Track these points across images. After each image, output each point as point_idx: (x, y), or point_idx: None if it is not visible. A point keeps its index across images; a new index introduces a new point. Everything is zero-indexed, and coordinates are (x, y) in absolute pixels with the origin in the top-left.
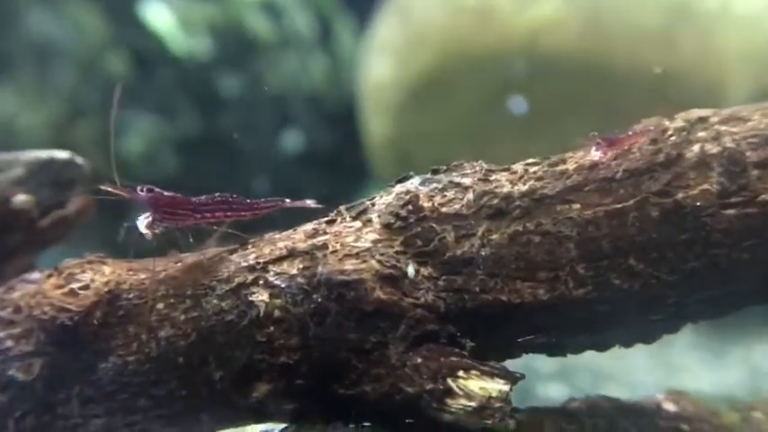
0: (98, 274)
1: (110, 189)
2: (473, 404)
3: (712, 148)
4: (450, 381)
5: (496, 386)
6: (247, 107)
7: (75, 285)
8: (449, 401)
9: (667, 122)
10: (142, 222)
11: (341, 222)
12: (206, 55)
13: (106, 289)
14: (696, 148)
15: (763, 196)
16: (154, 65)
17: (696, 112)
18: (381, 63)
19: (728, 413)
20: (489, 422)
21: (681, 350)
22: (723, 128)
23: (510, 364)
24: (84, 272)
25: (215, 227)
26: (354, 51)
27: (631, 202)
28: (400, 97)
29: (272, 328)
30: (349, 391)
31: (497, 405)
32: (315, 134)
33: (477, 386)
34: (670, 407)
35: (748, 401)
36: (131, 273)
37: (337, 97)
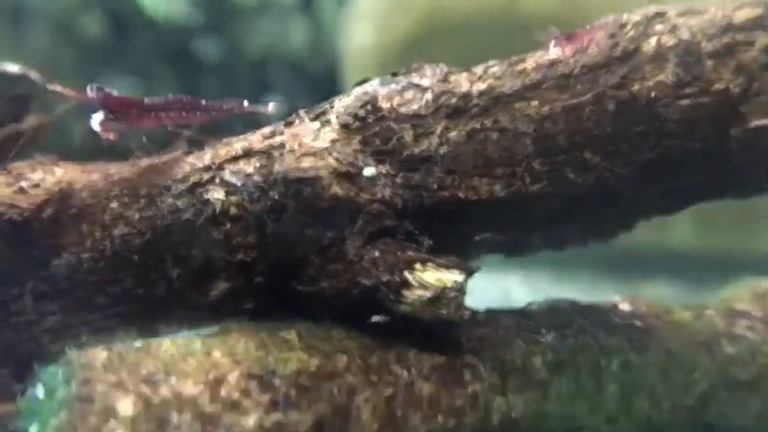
0: (49, 174)
1: (59, 89)
2: (428, 294)
3: (669, 41)
4: (406, 273)
5: (452, 276)
6: (227, 72)
7: (25, 184)
8: (405, 293)
9: (625, 17)
10: (95, 121)
11: (299, 124)
12: (184, 18)
13: (57, 188)
14: (653, 41)
15: (717, 86)
16: (130, 27)
17: (654, 8)
18: (363, 28)
19: (681, 311)
20: (444, 312)
21: None
22: (680, 20)
23: None
24: (34, 171)
25: (181, 131)
26: (336, 16)
27: (588, 96)
28: (382, 62)
29: (228, 226)
30: (307, 288)
31: (452, 295)
32: (296, 100)
33: (433, 277)
34: (625, 307)
35: (702, 303)
36: (84, 173)
37: (319, 63)
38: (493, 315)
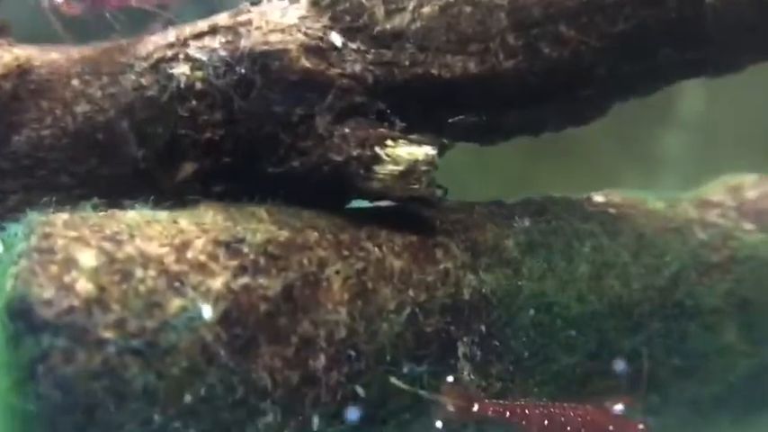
0: (7, 52)
1: None
2: (400, 168)
3: None
4: (377, 148)
5: (423, 150)
6: None
7: None
8: (376, 168)
9: None
10: None
11: (267, 3)
12: None
13: (15, 63)
14: None
15: None
16: None
17: None
18: None
19: (655, 202)
20: (416, 187)
21: None
22: None
23: None
24: None
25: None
26: None
27: None
28: None
29: (194, 102)
30: (278, 169)
31: (424, 169)
32: None
33: (405, 151)
34: (599, 198)
35: (676, 196)
36: (44, 52)
37: None
38: (468, 203)
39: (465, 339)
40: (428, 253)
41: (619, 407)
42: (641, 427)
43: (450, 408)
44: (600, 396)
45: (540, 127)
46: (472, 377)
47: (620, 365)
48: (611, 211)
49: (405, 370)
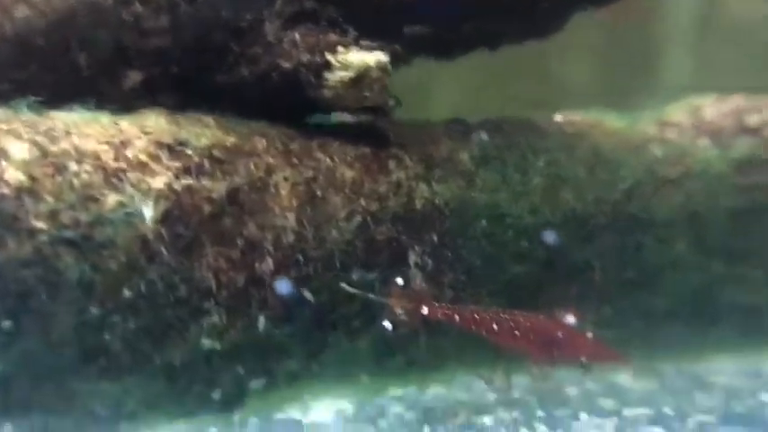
0: None
1: None
2: (351, 74)
3: None
4: (328, 55)
5: (375, 57)
6: None
7: None
8: (327, 75)
9: None
10: None
11: None
12: None
13: None
14: None
15: None
16: None
17: None
18: None
19: (615, 121)
20: (368, 94)
21: None
22: None
23: None
24: None
25: None
26: None
27: None
28: None
29: (139, 7)
30: (227, 78)
31: (376, 75)
32: None
33: (356, 57)
34: (559, 118)
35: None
36: None
37: None
38: (424, 120)
39: (417, 248)
40: (381, 164)
41: (570, 318)
42: (589, 335)
43: (399, 310)
44: (552, 307)
45: (498, 40)
46: (424, 285)
47: (571, 276)
48: (569, 129)
49: (355, 277)
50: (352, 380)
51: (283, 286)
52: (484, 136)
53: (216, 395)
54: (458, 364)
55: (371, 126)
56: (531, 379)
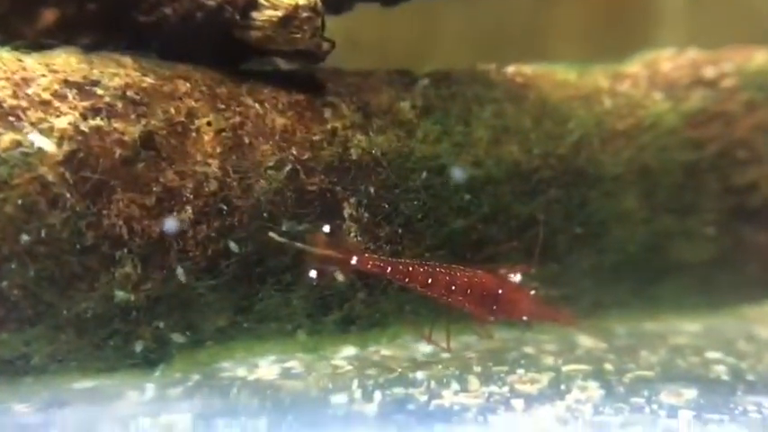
0: None
1: None
2: (279, 14)
3: None
4: None
5: None
6: None
7: None
8: (254, 14)
9: None
10: None
11: None
12: None
13: None
14: None
15: None
16: None
17: None
18: None
19: (567, 72)
20: (299, 36)
21: None
22: None
23: None
24: None
25: None
26: None
27: None
28: None
29: None
30: (149, 18)
31: (305, 15)
32: None
33: None
34: (510, 69)
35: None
36: None
37: None
38: (368, 69)
39: (352, 200)
40: (316, 112)
41: (515, 274)
42: (532, 292)
43: (326, 259)
44: (496, 262)
45: None
46: (359, 238)
47: (516, 231)
48: (518, 79)
49: (284, 227)
50: (289, 337)
51: (169, 225)
52: (427, 87)
53: (137, 349)
54: (400, 321)
55: (307, 73)
56: (476, 337)
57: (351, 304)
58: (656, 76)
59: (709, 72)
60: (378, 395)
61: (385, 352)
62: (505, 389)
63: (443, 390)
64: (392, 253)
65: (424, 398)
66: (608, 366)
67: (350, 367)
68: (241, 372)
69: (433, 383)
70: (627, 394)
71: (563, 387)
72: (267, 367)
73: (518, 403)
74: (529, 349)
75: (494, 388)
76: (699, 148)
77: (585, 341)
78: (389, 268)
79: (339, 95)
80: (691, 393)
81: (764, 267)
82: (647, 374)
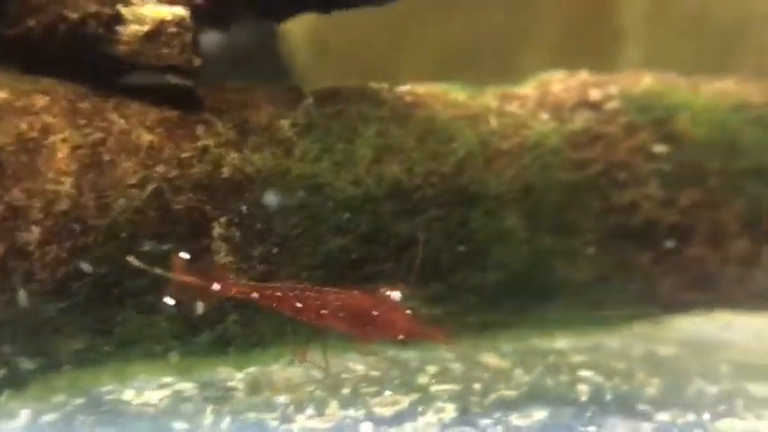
0: None
1: None
2: (145, 29)
3: None
4: (120, 7)
5: (171, 11)
6: None
7: None
8: (119, 29)
9: None
10: None
11: None
12: None
13: None
14: None
15: None
16: None
17: None
18: None
19: (458, 92)
20: (167, 51)
21: None
22: None
23: None
24: None
25: None
26: None
27: None
28: None
29: None
30: (13, 31)
31: (173, 30)
32: None
33: (150, 11)
34: (402, 88)
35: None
36: None
37: None
38: (252, 84)
39: (222, 219)
40: (187, 129)
41: (395, 294)
42: (408, 312)
43: (185, 286)
44: (376, 282)
45: (331, 2)
46: (230, 259)
47: (396, 251)
48: (408, 98)
49: (146, 248)
50: (160, 359)
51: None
52: (312, 104)
53: None
54: (281, 341)
55: (184, 88)
56: (359, 356)
57: (224, 325)
58: (546, 97)
59: (595, 94)
60: (227, 420)
61: (260, 373)
62: (362, 412)
63: (298, 414)
64: (266, 273)
65: (274, 423)
66: (477, 386)
67: (211, 390)
68: (142, 396)
69: (291, 408)
70: (478, 416)
71: (420, 409)
72: (166, 392)
73: (366, 427)
74: (412, 369)
75: (350, 411)
76: (581, 168)
77: (491, 359)
78: (256, 294)
79: (216, 112)
80: (541, 415)
81: (648, 286)
82: (510, 395)
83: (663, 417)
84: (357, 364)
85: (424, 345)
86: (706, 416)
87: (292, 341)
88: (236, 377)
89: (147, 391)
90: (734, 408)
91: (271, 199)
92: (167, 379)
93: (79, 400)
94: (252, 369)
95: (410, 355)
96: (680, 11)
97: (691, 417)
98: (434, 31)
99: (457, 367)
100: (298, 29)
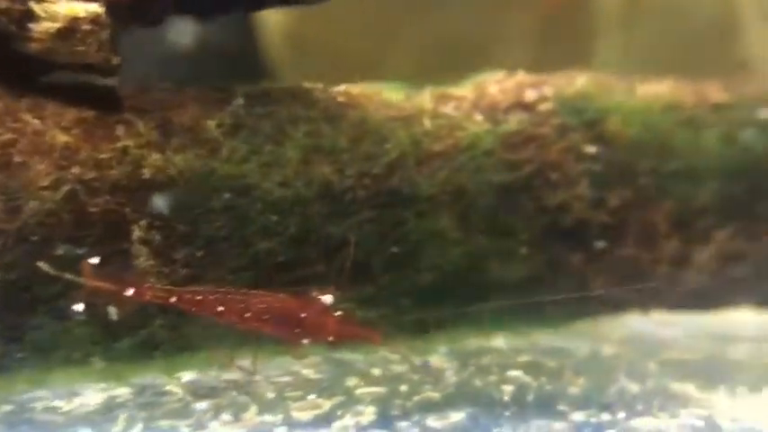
0: None
1: None
2: (57, 26)
3: None
4: (31, 2)
5: (85, 7)
6: None
7: None
8: (31, 26)
9: None
10: None
11: None
12: None
13: None
14: None
15: None
16: None
17: None
18: None
19: (393, 92)
20: (83, 49)
21: None
22: None
23: None
24: None
25: None
26: None
27: None
28: None
29: None
30: None
31: (87, 28)
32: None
33: (63, 8)
34: (338, 88)
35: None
36: None
37: None
38: (180, 85)
39: (142, 222)
40: (107, 130)
41: (327, 296)
42: (338, 314)
43: (97, 291)
44: (307, 285)
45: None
46: (152, 262)
47: (327, 253)
48: (341, 99)
49: (60, 251)
50: (83, 365)
51: None
52: (241, 105)
53: None
54: (210, 345)
55: (104, 88)
56: (292, 359)
57: (149, 330)
58: (482, 98)
59: (529, 95)
60: (138, 427)
61: (189, 378)
62: (279, 417)
63: (212, 421)
64: (190, 276)
65: (186, 430)
66: (403, 388)
67: (131, 396)
68: (73, 401)
69: (209, 414)
70: (397, 419)
71: (339, 413)
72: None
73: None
74: (339, 373)
75: (267, 417)
76: (514, 169)
77: (424, 360)
78: (174, 298)
79: (138, 112)
80: (458, 416)
81: (581, 285)
82: (434, 396)
83: (578, 417)
84: (296, 367)
85: (371, 348)
86: (621, 415)
87: (222, 345)
88: (160, 382)
89: (57, 400)
90: (650, 407)
91: (159, 203)
92: (87, 385)
93: None
94: (181, 374)
95: (356, 357)
96: (655, 8)
97: (606, 416)
98: (414, 29)
99: (391, 369)
100: (275, 26)
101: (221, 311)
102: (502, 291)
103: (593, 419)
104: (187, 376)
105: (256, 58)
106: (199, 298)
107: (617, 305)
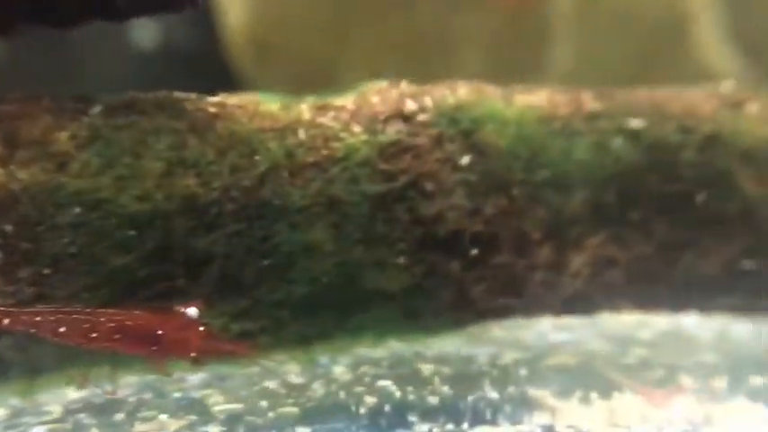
0: None
1: None
2: None
3: None
4: None
5: None
6: None
7: None
8: None
9: None
10: None
11: None
12: None
13: None
14: None
15: None
16: None
17: None
18: None
19: (271, 104)
20: None
21: None
22: None
23: None
24: None
25: None
26: None
27: None
28: None
29: None
30: None
31: None
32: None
33: None
34: (212, 99)
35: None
36: None
37: None
38: (31, 96)
39: None
40: None
41: (192, 311)
42: (202, 329)
43: None
44: (171, 300)
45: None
46: None
47: (191, 267)
48: (212, 110)
49: None
50: None
51: None
52: (99, 116)
53: None
54: (66, 365)
55: None
56: (159, 377)
57: None
58: (362, 108)
59: (409, 106)
60: None
61: (42, 400)
62: None
63: None
64: (37, 296)
65: None
66: (263, 404)
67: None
68: None
69: None
70: None
71: None
72: None
73: None
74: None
75: None
76: (389, 180)
77: (312, 372)
78: (6, 320)
79: None
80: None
81: (460, 293)
82: (292, 411)
83: (422, 428)
84: (169, 386)
85: (259, 362)
86: (465, 425)
87: (79, 364)
88: (9, 405)
89: None
90: (498, 415)
91: (1, 220)
92: None
93: None
94: (37, 396)
95: (238, 372)
96: (610, 9)
97: (450, 426)
98: (376, 31)
99: (261, 384)
100: (238, 33)
101: (63, 332)
102: (381, 301)
103: (435, 430)
104: (42, 398)
105: (218, 61)
106: (37, 319)
107: (497, 312)
